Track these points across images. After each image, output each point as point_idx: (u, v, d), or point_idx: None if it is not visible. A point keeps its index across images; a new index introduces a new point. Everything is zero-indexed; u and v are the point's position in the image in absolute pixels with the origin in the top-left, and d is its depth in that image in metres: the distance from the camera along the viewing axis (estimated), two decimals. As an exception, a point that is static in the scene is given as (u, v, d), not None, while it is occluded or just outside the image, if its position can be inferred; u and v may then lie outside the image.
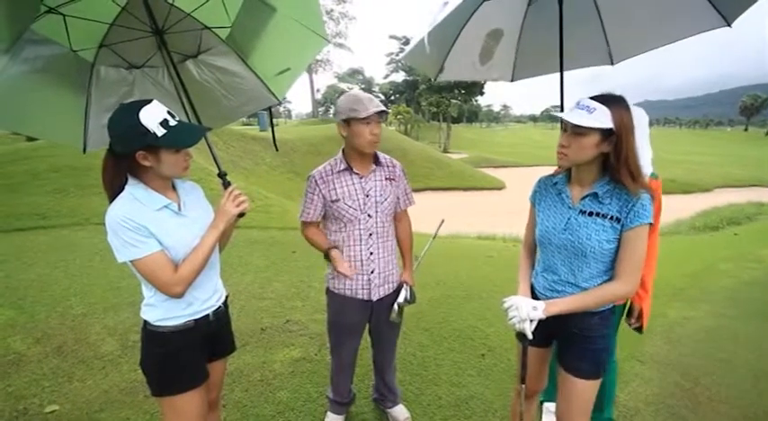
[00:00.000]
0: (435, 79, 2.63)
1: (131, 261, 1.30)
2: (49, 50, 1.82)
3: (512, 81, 2.75)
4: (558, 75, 2.30)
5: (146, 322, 1.42)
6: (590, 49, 2.45)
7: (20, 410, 2.36)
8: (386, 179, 1.94)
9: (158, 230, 1.33)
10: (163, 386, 1.45)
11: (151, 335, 1.43)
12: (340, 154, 1.91)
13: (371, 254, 1.93)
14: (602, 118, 1.31)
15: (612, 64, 2.48)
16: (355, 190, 1.88)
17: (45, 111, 1.94)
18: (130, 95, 2.13)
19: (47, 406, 2.39)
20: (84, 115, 1.99)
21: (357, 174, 1.89)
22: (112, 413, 2.34)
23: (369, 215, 1.90)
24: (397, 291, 2.05)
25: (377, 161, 1.94)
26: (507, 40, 2.51)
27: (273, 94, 2.41)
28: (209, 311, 1.53)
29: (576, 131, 1.36)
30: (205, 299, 1.51)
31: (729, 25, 2.03)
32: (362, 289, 1.96)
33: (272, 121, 2.85)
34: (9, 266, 4.38)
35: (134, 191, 1.33)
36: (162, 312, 1.41)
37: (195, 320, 1.47)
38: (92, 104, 2.00)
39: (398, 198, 2.02)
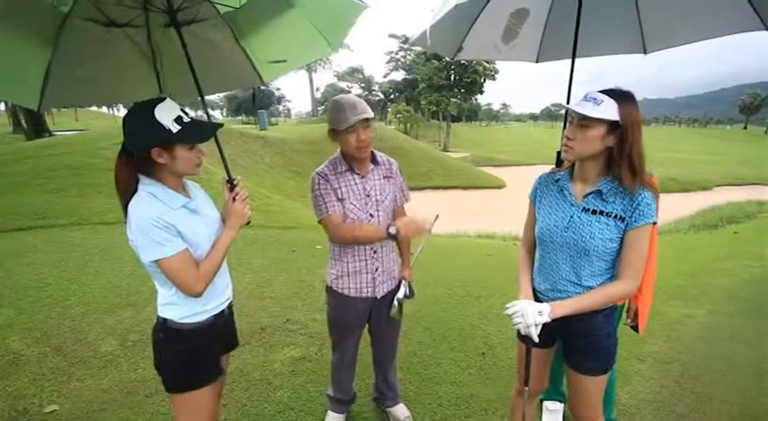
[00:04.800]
0: (453, 58, 2.59)
1: (158, 260, 1.29)
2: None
3: (537, 62, 2.71)
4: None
5: (165, 320, 1.41)
6: (622, 35, 2.40)
7: (19, 410, 2.35)
8: (384, 177, 1.95)
9: (184, 229, 1.34)
10: (188, 381, 1.45)
11: (174, 333, 1.42)
12: (339, 154, 1.91)
13: (375, 252, 1.94)
14: (609, 110, 1.30)
15: (645, 53, 2.43)
16: (358, 190, 1.88)
17: (3, 65, 1.79)
18: (102, 54, 2.02)
19: (46, 406, 2.39)
20: (45, 70, 1.86)
21: (358, 173, 1.89)
22: (112, 412, 2.34)
23: (371, 215, 1.90)
24: (397, 288, 2.06)
25: (374, 160, 1.94)
26: (534, 20, 2.44)
27: (260, 76, 2.42)
28: (224, 306, 1.56)
29: (582, 123, 1.34)
30: (221, 295, 1.54)
31: (767, 29, 1.98)
32: (367, 287, 1.96)
33: (254, 98, 2.85)
34: (8, 266, 4.36)
35: (153, 190, 1.33)
36: (184, 310, 1.41)
37: (214, 316, 1.49)
38: (56, 58, 1.86)
39: (396, 195, 2.02)
